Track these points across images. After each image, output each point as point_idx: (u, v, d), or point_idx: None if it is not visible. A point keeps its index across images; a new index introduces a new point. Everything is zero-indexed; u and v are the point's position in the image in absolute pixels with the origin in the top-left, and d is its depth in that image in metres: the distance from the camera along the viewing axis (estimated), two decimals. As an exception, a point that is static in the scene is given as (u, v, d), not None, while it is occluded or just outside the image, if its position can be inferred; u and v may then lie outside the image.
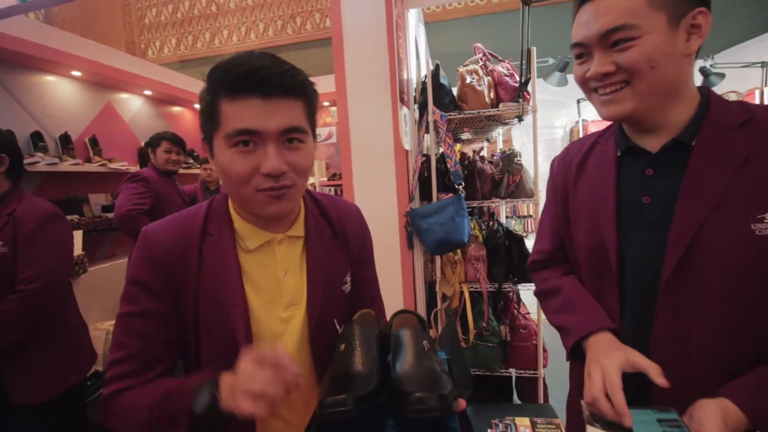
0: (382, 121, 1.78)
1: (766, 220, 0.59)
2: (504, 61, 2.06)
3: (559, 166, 0.86)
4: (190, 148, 4.14)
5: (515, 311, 2.05)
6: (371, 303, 0.83)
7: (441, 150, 1.94)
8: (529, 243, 2.08)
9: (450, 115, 1.93)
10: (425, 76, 1.99)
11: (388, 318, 0.75)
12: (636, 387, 0.62)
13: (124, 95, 3.47)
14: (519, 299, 2.13)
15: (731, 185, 0.61)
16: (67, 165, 2.66)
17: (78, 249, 2.57)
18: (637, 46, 0.61)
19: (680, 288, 0.64)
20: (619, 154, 0.73)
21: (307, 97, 0.62)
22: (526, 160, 2.03)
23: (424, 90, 1.99)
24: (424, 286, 2.07)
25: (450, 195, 1.90)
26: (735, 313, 0.61)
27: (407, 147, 1.85)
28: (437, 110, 1.89)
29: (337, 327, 0.69)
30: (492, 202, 2.00)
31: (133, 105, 3.58)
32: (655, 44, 0.60)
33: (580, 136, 4.43)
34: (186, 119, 4.24)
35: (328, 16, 4.86)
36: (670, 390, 0.59)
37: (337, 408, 0.48)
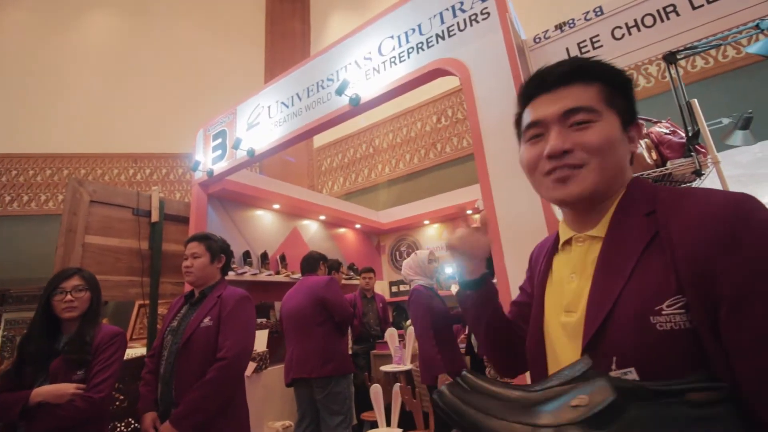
0: (530, 202, 1.75)
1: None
2: (661, 122, 1.90)
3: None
4: (351, 262, 4.72)
5: None
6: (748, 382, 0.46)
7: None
8: None
9: (605, 184, 1.79)
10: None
11: None
12: None
13: (306, 221, 4.32)
14: None
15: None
16: (264, 275, 3.32)
17: (263, 345, 2.98)
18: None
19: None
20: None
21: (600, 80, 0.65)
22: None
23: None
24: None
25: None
26: None
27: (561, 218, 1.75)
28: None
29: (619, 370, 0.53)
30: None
31: (311, 228, 4.40)
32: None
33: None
34: (348, 237, 4.93)
35: (464, 138, 5.41)
36: None
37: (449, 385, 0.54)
